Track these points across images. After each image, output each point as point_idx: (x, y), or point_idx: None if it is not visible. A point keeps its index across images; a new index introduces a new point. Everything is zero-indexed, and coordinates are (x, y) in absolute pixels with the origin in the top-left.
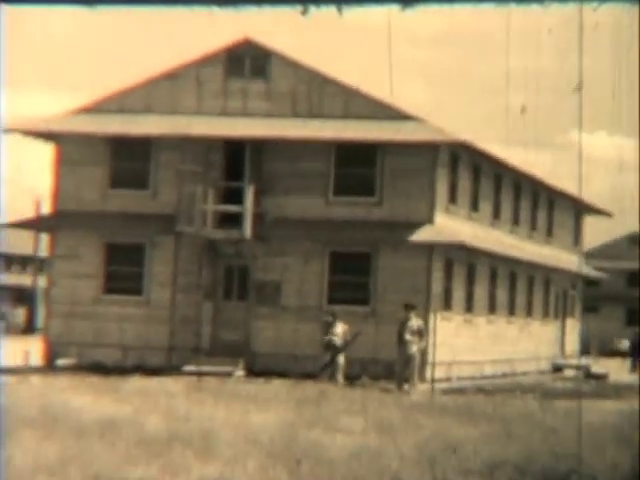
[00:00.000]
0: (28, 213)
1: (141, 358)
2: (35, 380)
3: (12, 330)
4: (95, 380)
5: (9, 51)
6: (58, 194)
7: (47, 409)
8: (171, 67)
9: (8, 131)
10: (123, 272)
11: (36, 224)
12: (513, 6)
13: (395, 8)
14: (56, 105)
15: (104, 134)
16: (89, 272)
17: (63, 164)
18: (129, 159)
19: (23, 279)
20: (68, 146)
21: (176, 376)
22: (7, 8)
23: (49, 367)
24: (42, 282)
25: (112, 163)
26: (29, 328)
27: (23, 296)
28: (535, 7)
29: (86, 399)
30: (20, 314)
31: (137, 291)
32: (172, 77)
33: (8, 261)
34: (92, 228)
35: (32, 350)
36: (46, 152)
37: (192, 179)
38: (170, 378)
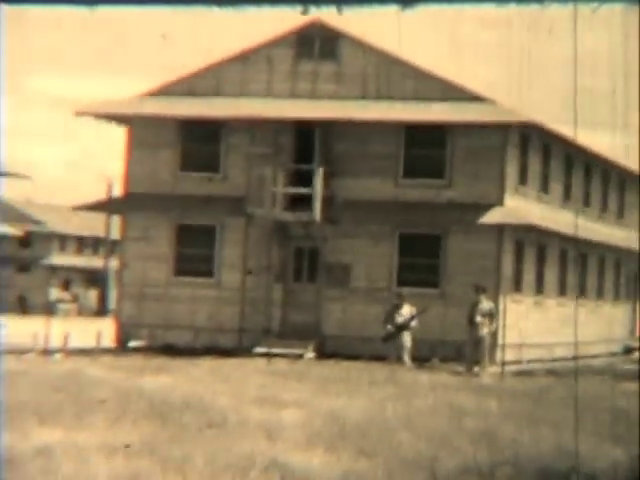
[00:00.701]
0: (100, 196)
1: (212, 340)
2: (107, 360)
3: (84, 312)
4: (166, 361)
5: (76, 38)
6: (129, 176)
7: (121, 389)
8: (241, 49)
9: (80, 114)
10: (194, 254)
11: (108, 206)
12: (513, 6)
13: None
14: (128, 89)
15: (175, 116)
16: (160, 254)
17: (134, 147)
18: (199, 142)
19: (95, 261)
20: (139, 129)
21: (247, 358)
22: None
23: (121, 349)
24: (114, 264)
25: (183, 145)
26: (101, 310)
27: (95, 278)
28: (535, 7)
29: (161, 380)
30: (92, 296)
31: (208, 273)
32: (242, 59)
33: (80, 243)
34: (163, 210)
35: (104, 332)
36: (118, 135)
37: (262, 161)
38: (241, 359)
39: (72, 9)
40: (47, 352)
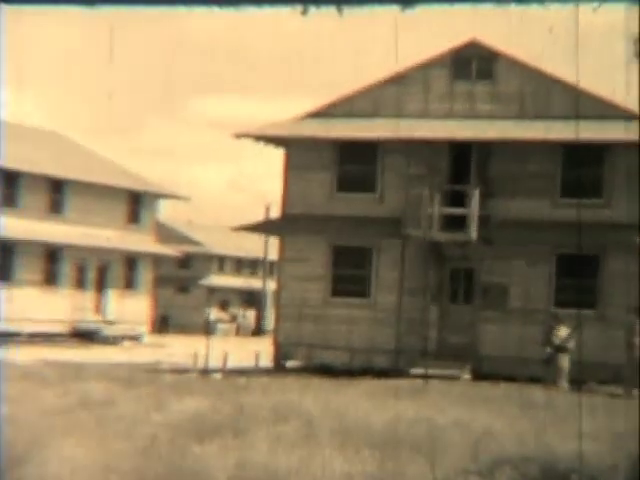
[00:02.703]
0: (258, 217)
1: (368, 361)
2: (265, 380)
3: (242, 332)
4: (324, 381)
5: (234, 60)
6: (287, 198)
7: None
8: (398, 71)
9: (239, 136)
10: (350, 275)
11: (265, 227)
12: (513, 6)
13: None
14: (287, 110)
15: (332, 138)
16: (317, 275)
17: (292, 168)
18: (356, 163)
19: (253, 282)
20: (297, 150)
21: (403, 379)
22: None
23: (278, 368)
24: (271, 285)
25: (339, 167)
26: (258, 330)
27: (253, 298)
28: (535, 7)
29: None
30: (250, 316)
31: (364, 294)
32: (398, 80)
33: (238, 264)
34: (319, 231)
35: (261, 352)
36: (277, 157)
37: (418, 182)
38: (399, 380)
39: (72, 9)
40: (207, 372)
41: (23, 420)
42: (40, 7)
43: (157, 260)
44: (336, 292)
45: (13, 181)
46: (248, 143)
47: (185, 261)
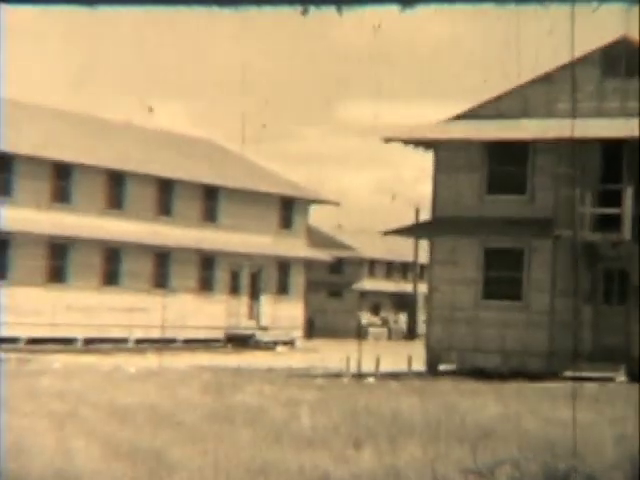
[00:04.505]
0: (408, 220)
1: (520, 363)
2: (415, 384)
3: (394, 336)
4: (477, 385)
5: (380, 64)
6: (437, 201)
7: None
8: (547, 70)
9: (389, 140)
10: (501, 277)
11: (415, 231)
12: (513, 6)
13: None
14: (434, 114)
15: (481, 139)
16: (468, 277)
17: (441, 171)
18: (505, 164)
19: (404, 286)
20: (446, 153)
21: (556, 381)
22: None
23: (430, 372)
24: (422, 288)
25: (489, 168)
26: (410, 334)
27: (404, 302)
28: (535, 7)
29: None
30: (401, 320)
31: (516, 296)
32: (547, 80)
33: (389, 268)
34: (470, 233)
35: (413, 356)
36: (426, 160)
37: (569, 182)
38: (552, 383)
39: (72, 9)
40: (360, 376)
41: (190, 424)
42: (40, 7)
43: (309, 265)
44: (488, 294)
45: (168, 189)
46: (397, 146)
47: (337, 266)
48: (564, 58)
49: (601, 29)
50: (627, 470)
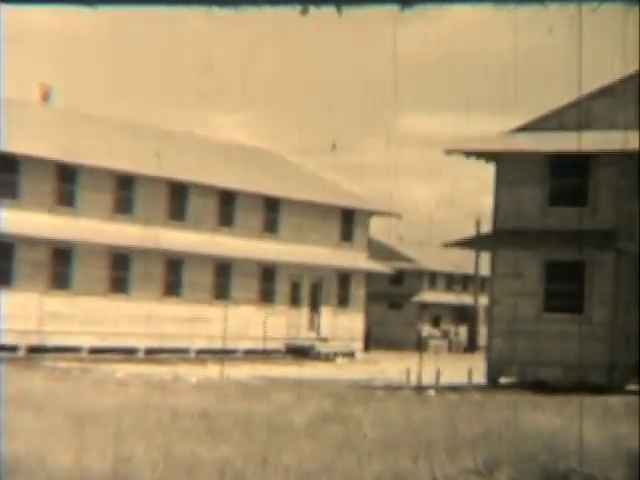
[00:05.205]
0: (469, 233)
1: (582, 376)
2: (476, 397)
3: (454, 348)
4: (539, 398)
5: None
6: (498, 213)
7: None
8: (608, 82)
9: (450, 152)
10: (563, 290)
11: (476, 243)
12: (513, 6)
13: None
14: (493, 126)
15: (543, 152)
16: (529, 290)
17: (502, 183)
18: (567, 176)
19: (464, 298)
20: (507, 165)
21: (619, 395)
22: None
23: (491, 385)
24: (483, 301)
25: (550, 180)
26: (471, 346)
27: (464, 315)
28: (535, 7)
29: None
30: (462, 332)
31: (577, 309)
32: (610, 92)
33: (449, 280)
34: (531, 246)
35: (474, 368)
36: (487, 172)
37: (631, 194)
38: (614, 397)
39: (73, 9)
40: (420, 388)
41: (250, 436)
42: (40, 7)
43: (369, 276)
44: (549, 307)
45: (229, 200)
46: (458, 159)
47: (397, 277)
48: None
49: (601, 30)
50: None
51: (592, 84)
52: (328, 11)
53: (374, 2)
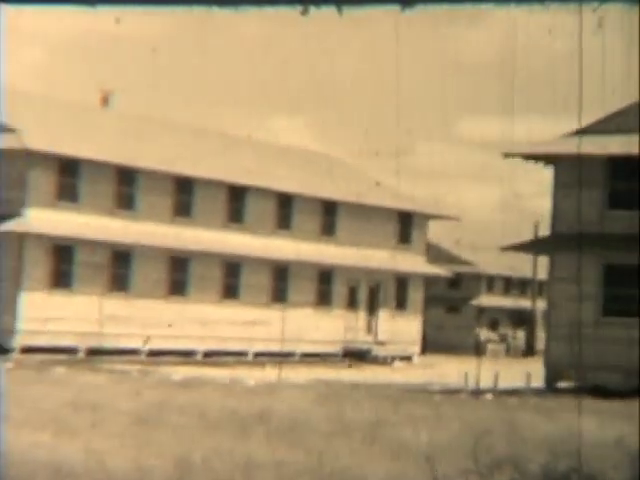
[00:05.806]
0: (527, 236)
1: None
2: (534, 401)
3: (512, 352)
4: (599, 403)
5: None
6: (556, 216)
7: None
8: None
9: (509, 155)
10: (622, 294)
11: (534, 247)
12: (513, 6)
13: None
14: (553, 131)
15: (603, 155)
16: (588, 294)
17: (561, 186)
18: (627, 179)
19: (522, 302)
20: (566, 168)
21: None
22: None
23: (549, 389)
24: (541, 304)
25: (609, 183)
26: (529, 350)
27: (522, 318)
28: (536, 7)
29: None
30: (520, 336)
31: (637, 313)
32: None
33: (507, 284)
34: (590, 249)
35: (532, 372)
36: (546, 175)
37: None
38: None
39: (73, 9)
40: (478, 392)
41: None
42: (40, 7)
43: (427, 280)
44: (608, 311)
45: (287, 204)
46: (517, 162)
47: (455, 281)
48: None
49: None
50: None
51: None
52: (363, 13)
53: (374, 2)
